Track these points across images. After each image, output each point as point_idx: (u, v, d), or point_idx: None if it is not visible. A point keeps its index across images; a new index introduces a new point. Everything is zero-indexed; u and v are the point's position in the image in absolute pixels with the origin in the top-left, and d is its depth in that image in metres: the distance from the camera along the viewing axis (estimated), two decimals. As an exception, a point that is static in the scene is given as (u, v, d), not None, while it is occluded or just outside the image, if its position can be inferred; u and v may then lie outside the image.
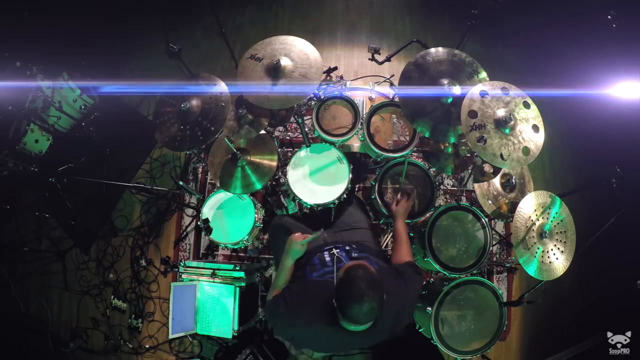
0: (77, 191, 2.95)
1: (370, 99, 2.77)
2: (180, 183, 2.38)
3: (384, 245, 2.77)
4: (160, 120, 2.13)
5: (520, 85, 1.83)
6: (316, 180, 2.29)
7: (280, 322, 1.53)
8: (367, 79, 3.08)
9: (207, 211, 2.44)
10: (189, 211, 3.05)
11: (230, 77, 2.15)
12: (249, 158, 2.23)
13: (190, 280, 2.40)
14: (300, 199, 2.24)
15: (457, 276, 2.14)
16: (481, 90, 1.77)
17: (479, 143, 1.70)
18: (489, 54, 3.47)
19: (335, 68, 2.75)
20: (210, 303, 2.37)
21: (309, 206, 2.28)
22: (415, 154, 2.84)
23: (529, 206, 1.92)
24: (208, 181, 3.07)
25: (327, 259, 1.66)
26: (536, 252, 1.86)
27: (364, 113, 2.52)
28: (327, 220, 2.21)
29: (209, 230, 2.20)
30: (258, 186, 2.20)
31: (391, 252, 1.97)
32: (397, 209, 2.11)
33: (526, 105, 1.79)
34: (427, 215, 2.33)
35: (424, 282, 2.35)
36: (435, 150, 2.22)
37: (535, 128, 1.76)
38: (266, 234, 2.80)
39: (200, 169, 3.10)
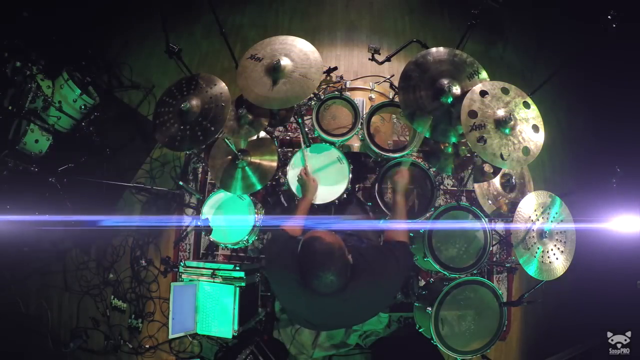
0: (77, 191, 2.95)
1: (370, 98, 2.77)
2: (180, 183, 2.38)
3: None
4: (160, 120, 2.13)
5: (521, 85, 1.83)
6: (316, 180, 2.29)
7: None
8: (367, 79, 3.07)
9: (207, 211, 2.44)
10: (189, 211, 3.04)
11: (230, 77, 2.16)
12: (249, 159, 2.23)
13: (190, 280, 2.40)
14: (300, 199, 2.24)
15: (457, 276, 2.14)
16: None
17: (479, 143, 1.70)
18: (489, 54, 3.47)
19: (335, 68, 2.74)
20: (210, 303, 2.37)
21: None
22: (415, 154, 2.84)
23: (529, 206, 1.92)
24: (208, 181, 3.07)
25: None
26: (536, 252, 1.86)
27: (364, 113, 2.52)
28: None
29: (208, 230, 2.20)
30: (258, 186, 2.20)
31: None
32: (396, 179, 1.94)
33: (526, 105, 1.79)
34: (427, 215, 2.33)
35: (425, 282, 2.35)
36: (435, 150, 2.22)
37: (535, 128, 1.76)
38: (266, 233, 2.80)
39: (200, 169, 3.10)
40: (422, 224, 2.18)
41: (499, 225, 2.50)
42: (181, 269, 2.42)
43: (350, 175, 2.26)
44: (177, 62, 2.39)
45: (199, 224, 2.17)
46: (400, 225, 1.75)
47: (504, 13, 3.57)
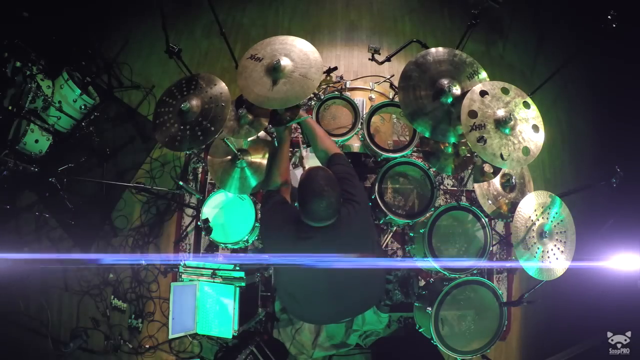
0: (77, 191, 2.95)
1: (370, 98, 2.77)
2: (180, 183, 2.38)
3: (384, 244, 2.77)
4: (160, 120, 2.12)
5: (521, 85, 1.83)
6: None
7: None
8: (367, 79, 3.07)
9: (207, 211, 2.44)
10: (189, 211, 3.04)
11: (230, 77, 2.15)
12: (249, 159, 2.23)
13: (190, 280, 2.40)
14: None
15: (457, 276, 2.14)
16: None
17: (479, 143, 1.70)
18: (489, 54, 3.47)
19: (335, 68, 2.74)
20: (210, 303, 2.37)
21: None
22: (415, 154, 2.84)
23: (529, 206, 1.92)
24: (208, 181, 3.06)
25: None
26: (536, 252, 1.86)
27: (364, 113, 2.52)
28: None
29: (209, 230, 2.20)
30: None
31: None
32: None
33: (526, 105, 1.78)
34: (427, 215, 2.33)
35: (425, 282, 2.34)
36: (435, 150, 2.22)
37: (535, 128, 1.76)
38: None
39: (200, 169, 3.10)
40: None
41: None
42: (181, 269, 2.42)
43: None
44: (177, 62, 2.39)
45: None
46: (328, 139, 1.93)
47: (503, 12, 3.57)
